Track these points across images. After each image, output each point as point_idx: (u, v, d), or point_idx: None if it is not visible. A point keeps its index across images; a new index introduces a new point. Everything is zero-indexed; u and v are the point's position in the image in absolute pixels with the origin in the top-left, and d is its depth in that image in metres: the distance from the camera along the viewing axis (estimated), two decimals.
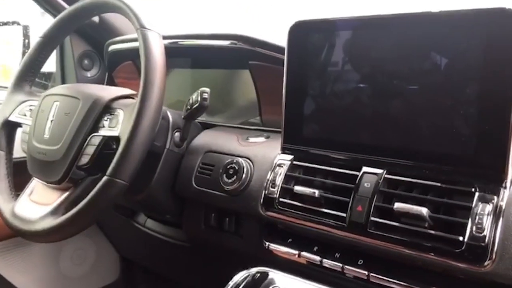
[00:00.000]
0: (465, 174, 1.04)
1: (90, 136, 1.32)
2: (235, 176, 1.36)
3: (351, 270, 1.13)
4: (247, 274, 1.23)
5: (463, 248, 0.97)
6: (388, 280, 1.08)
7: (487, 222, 0.96)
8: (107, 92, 1.41)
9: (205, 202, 1.46)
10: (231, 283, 1.22)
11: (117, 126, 1.29)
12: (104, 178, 1.19)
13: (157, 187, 1.50)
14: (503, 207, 0.97)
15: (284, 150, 1.33)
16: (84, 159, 1.31)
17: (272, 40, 1.56)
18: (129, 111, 1.27)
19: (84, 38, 2.14)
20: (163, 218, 1.80)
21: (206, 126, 1.69)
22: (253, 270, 1.24)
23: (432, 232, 1.02)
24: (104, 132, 1.31)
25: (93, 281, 2.40)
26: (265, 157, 1.36)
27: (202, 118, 1.60)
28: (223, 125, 1.72)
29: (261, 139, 1.47)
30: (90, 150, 1.31)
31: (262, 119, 1.68)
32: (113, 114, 1.33)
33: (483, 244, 0.95)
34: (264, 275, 1.22)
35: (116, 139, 1.27)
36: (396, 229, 1.06)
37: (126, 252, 2.38)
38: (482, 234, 0.96)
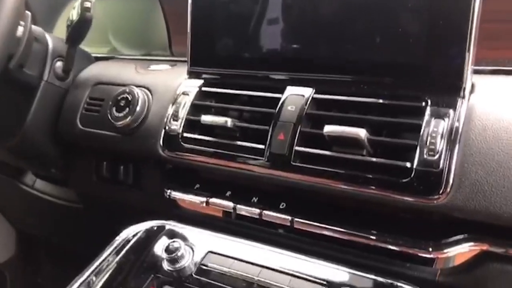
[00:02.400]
0: (412, 86, 0.81)
1: None
2: (127, 109, 1.06)
3: (271, 216, 0.89)
4: (139, 229, 0.95)
5: (411, 176, 0.75)
6: (316, 226, 0.85)
7: (441, 142, 0.74)
8: None
9: (94, 147, 1.15)
10: (118, 238, 0.93)
11: None
12: None
13: (33, 129, 1.17)
14: (462, 122, 0.75)
15: (191, 75, 1.05)
16: None
17: None
18: None
19: None
20: (51, 175, 1.47)
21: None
22: (147, 223, 0.96)
23: (373, 159, 0.79)
24: None
25: None
26: (167, 85, 1.07)
27: (103, 51, 1.28)
28: (121, 57, 1.40)
29: (165, 66, 1.18)
30: None
31: (171, 50, 1.38)
32: None
33: (436, 170, 0.73)
34: (160, 228, 0.94)
35: None
36: (327, 160, 0.82)
37: (20, 223, 2.01)
38: (435, 158, 0.74)
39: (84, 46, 1.28)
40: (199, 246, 0.89)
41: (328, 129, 0.80)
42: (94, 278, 0.86)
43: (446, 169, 0.73)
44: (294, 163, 0.84)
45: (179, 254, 0.85)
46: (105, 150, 1.14)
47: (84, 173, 1.23)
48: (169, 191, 1.02)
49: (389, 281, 0.75)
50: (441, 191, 0.72)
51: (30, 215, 1.77)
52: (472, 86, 0.80)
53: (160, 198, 1.05)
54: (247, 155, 0.90)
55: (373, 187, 0.77)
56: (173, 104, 1.02)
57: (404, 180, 0.75)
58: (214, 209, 0.97)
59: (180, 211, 1.03)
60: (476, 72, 0.80)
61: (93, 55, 1.35)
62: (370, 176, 0.78)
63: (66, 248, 1.85)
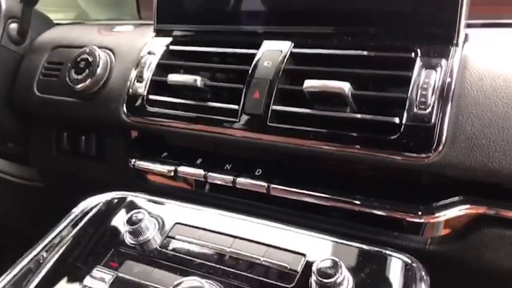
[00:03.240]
0: (400, 35, 0.74)
1: None
2: (86, 71, 0.96)
3: (246, 184, 0.80)
4: (98, 201, 0.85)
5: (400, 132, 0.67)
6: (295, 192, 0.76)
7: (433, 95, 0.67)
8: None
9: (52, 115, 1.05)
10: (75, 210, 0.84)
11: None
12: None
13: None
14: (455, 72, 0.68)
15: (158, 33, 0.96)
16: None
17: None
18: None
19: None
20: (9, 152, 1.35)
21: None
22: (107, 195, 0.86)
23: (358, 116, 0.71)
24: None
25: None
26: (131, 45, 0.97)
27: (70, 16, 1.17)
28: (84, 22, 1.29)
29: (130, 28, 1.08)
30: None
31: (140, 14, 1.28)
32: None
33: (427, 124, 0.66)
34: (122, 200, 0.85)
35: None
36: (307, 119, 0.74)
37: None
38: (427, 111, 0.66)
39: (50, 12, 1.17)
40: (165, 217, 0.80)
41: (308, 84, 0.72)
42: (44, 254, 0.76)
43: (439, 123, 0.65)
44: (271, 124, 0.76)
45: (142, 225, 0.76)
46: (64, 118, 1.03)
47: (43, 146, 1.12)
48: (133, 160, 0.92)
49: (375, 248, 0.68)
50: (433, 148, 0.65)
51: None
52: (466, 36, 0.73)
53: (125, 170, 0.95)
54: (219, 117, 0.81)
55: (359, 146, 0.70)
56: (137, 65, 0.93)
57: (392, 137, 0.67)
58: (183, 179, 0.88)
59: (147, 183, 0.94)
60: (469, 26, 0.73)
61: (59, 21, 1.24)
62: (355, 134, 0.70)
63: (30, 233, 1.74)
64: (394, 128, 0.68)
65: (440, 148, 0.65)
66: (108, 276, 0.72)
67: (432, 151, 0.65)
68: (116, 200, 0.86)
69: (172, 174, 0.87)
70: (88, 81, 0.94)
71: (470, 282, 0.72)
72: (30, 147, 1.17)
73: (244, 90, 0.79)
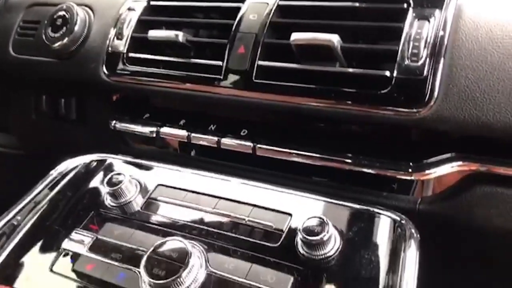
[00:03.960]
0: None
1: None
2: (64, 28, 0.91)
3: (231, 144, 0.77)
4: (77, 163, 0.82)
5: (391, 86, 0.64)
6: (281, 152, 0.74)
7: (426, 47, 0.64)
8: None
9: (30, 76, 1.00)
10: (53, 173, 0.80)
11: None
12: None
13: None
14: (450, 22, 0.64)
15: None
16: None
17: None
18: None
19: None
20: None
21: None
22: (86, 157, 0.83)
23: (348, 70, 0.68)
24: None
25: None
26: (111, 2, 0.93)
27: None
28: None
29: None
30: None
31: None
32: None
33: (419, 77, 0.63)
34: (102, 162, 0.82)
35: None
36: (295, 74, 0.71)
37: None
38: (419, 64, 0.64)
39: None
40: (147, 179, 0.77)
41: (296, 37, 0.68)
42: (19, 218, 0.73)
43: (431, 76, 0.62)
44: (256, 80, 0.73)
45: (123, 187, 0.73)
46: (42, 80, 0.99)
47: (22, 110, 1.08)
48: (114, 122, 0.89)
49: (364, 207, 0.65)
50: (425, 101, 0.62)
51: None
52: None
53: (106, 133, 0.92)
54: (202, 75, 0.78)
55: (348, 102, 0.67)
56: (117, 22, 0.88)
57: (383, 91, 0.65)
58: (166, 141, 0.85)
59: (129, 146, 0.91)
60: None
61: None
62: (345, 89, 0.67)
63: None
64: (385, 82, 0.65)
65: (432, 101, 0.62)
66: (88, 238, 0.69)
67: (424, 105, 0.62)
68: (95, 162, 0.82)
69: (154, 135, 0.84)
70: (65, 39, 0.90)
71: (461, 241, 0.70)
72: (7, 112, 1.13)
73: (228, 45, 0.76)
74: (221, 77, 0.75)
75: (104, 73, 0.87)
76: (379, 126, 0.68)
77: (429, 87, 0.62)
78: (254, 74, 0.73)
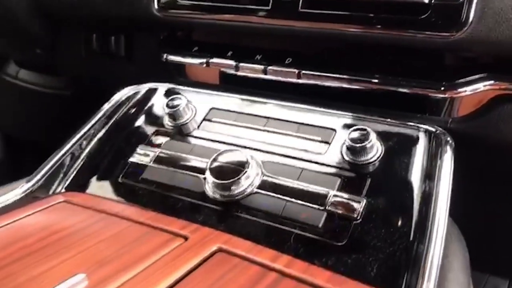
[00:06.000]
0: None
1: None
2: None
3: (277, 72, 0.84)
4: (137, 89, 0.90)
5: (430, 10, 0.70)
6: (325, 76, 0.80)
7: None
8: None
9: (81, 15, 1.07)
10: (115, 97, 0.89)
11: None
12: None
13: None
14: None
15: None
16: None
17: None
18: None
19: None
20: (36, 61, 1.38)
21: None
22: (145, 85, 0.91)
23: None
24: None
25: None
26: None
27: None
28: None
29: None
30: None
31: None
32: None
33: (456, 1, 0.68)
34: (160, 89, 0.90)
35: None
36: (338, 3, 0.76)
37: (7, 126, 1.94)
38: None
39: None
40: (201, 103, 0.85)
41: None
42: (87, 138, 0.82)
43: (467, 0, 0.68)
44: (302, 10, 0.79)
45: (181, 109, 0.81)
46: (94, 18, 1.06)
47: (72, 49, 1.16)
48: (165, 55, 0.96)
49: (402, 121, 0.73)
50: (461, 24, 0.68)
51: (15, 111, 1.70)
52: None
53: (156, 67, 0.99)
54: (249, 6, 0.84)
55: (390, 28, 0.73)
56: None
57: (422, 17, 0.70)
58: (214, 72, 0.92)
59: (177, 80, 0.98)
60: None
61: None
62: (387, 16, 0.73)
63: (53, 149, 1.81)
64: (423, 8, 0.70)
65: (468, 24, 0.68)
66: (152, 153, 0.78)
67: (460, 29, 0.68)
68: (152, 89, 0.90)
69: (204, 65, 0.91)
70: None
71: (488, 156, 0.78)
72: (58, 52, 1.20)
73: None
74: (269, 8, 0.81)
75: (156, 8, 0.93)
76: (416, 50, 0.74)
77: (465, 11, 0.68)
78: (300, 4, 0.79)
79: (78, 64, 1.16)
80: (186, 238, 0.63)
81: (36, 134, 1.78)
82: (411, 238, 0.59)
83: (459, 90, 0.72)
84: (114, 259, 0.58)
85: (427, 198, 0.62)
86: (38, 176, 0.78)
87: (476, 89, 0.72)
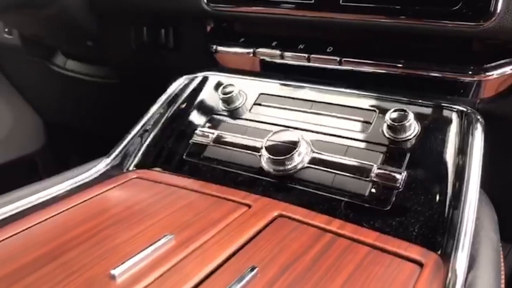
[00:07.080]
0: None
1: None
2: None
3: (319, 59, 0.93)
4: (190, 78, 1.00)
5: (460, 3, 0.78)
6: (365, 63, 0.89)
7: None
8: None
9: (132, 9, 1.16)
10: (174, 85, 0.98)
11: None
12: None
13: None
14: None
15: None
16: None
17: None
18: None
19: None
20: (84, 52, 1.49)
21: None
22: (199, 74, 1.01)
23: None
24: None
25: (14, 149, 2.09)
26: None
27: None
28: None
29: None
30: None
31: None
32: None
33: None
34: (213, 77, 1.00)
35: None
36: None
37: (50, 114, 2.07)
38: None
39: None
40: (249, 90, 0.95)
41: None
42: (151, 123, 0.92)
43: None
44: (343, 3, 0.87)
45: (234, 95, 0.91)
46: (144, 11, 1.15)
47: (122, 41, 1.25)
48: (214, 46, 1.05)
49: (435, 103, 0.81)
50: (489, 15, 0.76)
51: (61, 100, 1.82)
52: None
53: (203, 57, 1.09)
54: (294, 0, 0.92)
55: (424, 18, 0.81)
56: None
57: (454, 8, 0.78)
58: (260, 62, 1.01)
59: (224, 69, 1.07)
60: None
61: None
62: (420, 7, 0.81)
63: (94, 136, 1.92)
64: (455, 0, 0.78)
65: (496, 15, 0.75)
66: (210, 134, 0.88)
67: (489, 19, 0.76)
68: (206, 78, 1.00)
69: (251, 55, 1.00)
70: None
71: None
72: (109, 44, 1.30)
73: None
74: (312, 2, 0.90)
75: (205, 1, 1.02)
76: (447, 39, 0.82)
77: (493, 3, 0.76)
78: None
79: (128, 55, 1.26)
80: (249, 206, 0.73)
81: (77, 118, 1.90)
82: (447, 204, 0.69)
83: (487, 74, 0.80)
84: (193, 223, 0.69)
85: (461, 170, 0.71)
86: (112, 157, 0.88)
87: (503, 73, 0.80)
